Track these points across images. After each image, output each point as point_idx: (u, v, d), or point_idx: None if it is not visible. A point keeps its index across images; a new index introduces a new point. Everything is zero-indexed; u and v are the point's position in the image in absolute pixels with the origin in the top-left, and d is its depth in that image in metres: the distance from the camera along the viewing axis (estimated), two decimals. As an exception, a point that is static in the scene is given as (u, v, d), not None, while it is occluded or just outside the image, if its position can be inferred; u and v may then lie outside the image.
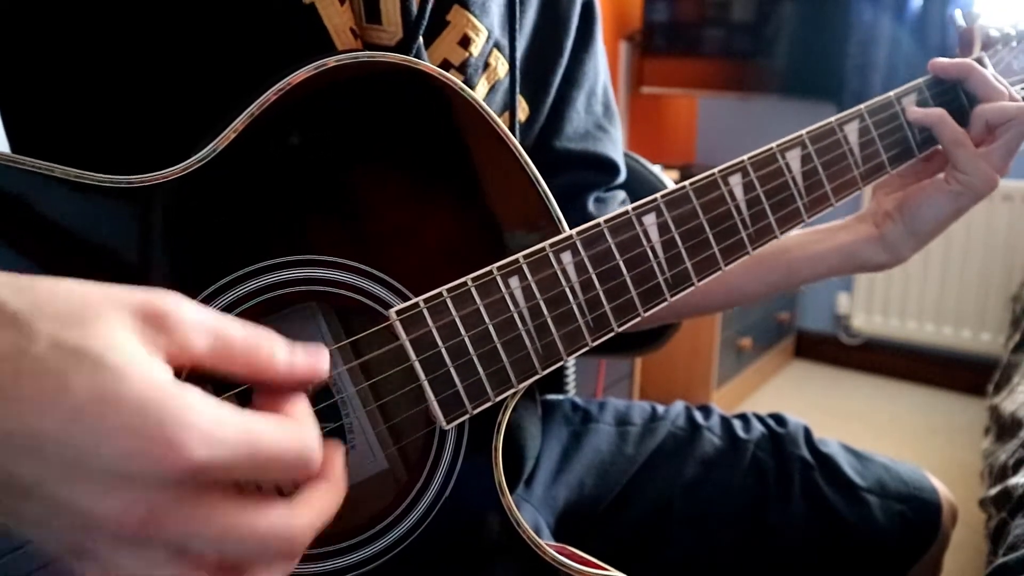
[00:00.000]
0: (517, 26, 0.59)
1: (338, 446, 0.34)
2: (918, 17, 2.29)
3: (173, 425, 0.25)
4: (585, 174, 0.70)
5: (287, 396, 0.32)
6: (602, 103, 0.72)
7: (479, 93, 0.59)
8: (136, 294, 0.28)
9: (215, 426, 0.26)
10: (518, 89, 0.60)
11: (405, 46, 0.52)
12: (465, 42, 0.55)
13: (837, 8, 2.33)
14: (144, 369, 0.26)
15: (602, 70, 0.72)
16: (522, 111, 0.63)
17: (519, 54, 0.59)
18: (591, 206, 0.70)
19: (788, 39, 2.38)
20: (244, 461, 0.27)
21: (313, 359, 0.32)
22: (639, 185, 0.89)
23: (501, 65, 0.59)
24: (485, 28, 0.56)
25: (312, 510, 0.30)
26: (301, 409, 0.32)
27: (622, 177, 0.74)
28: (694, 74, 2.45)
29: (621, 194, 0.75)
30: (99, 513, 0.26)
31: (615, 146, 0.73)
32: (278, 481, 0.30)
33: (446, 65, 0.56)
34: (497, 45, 0.59)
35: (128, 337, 0.27)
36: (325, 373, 0.33)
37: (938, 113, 0.62)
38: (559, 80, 0.67)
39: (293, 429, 0.30)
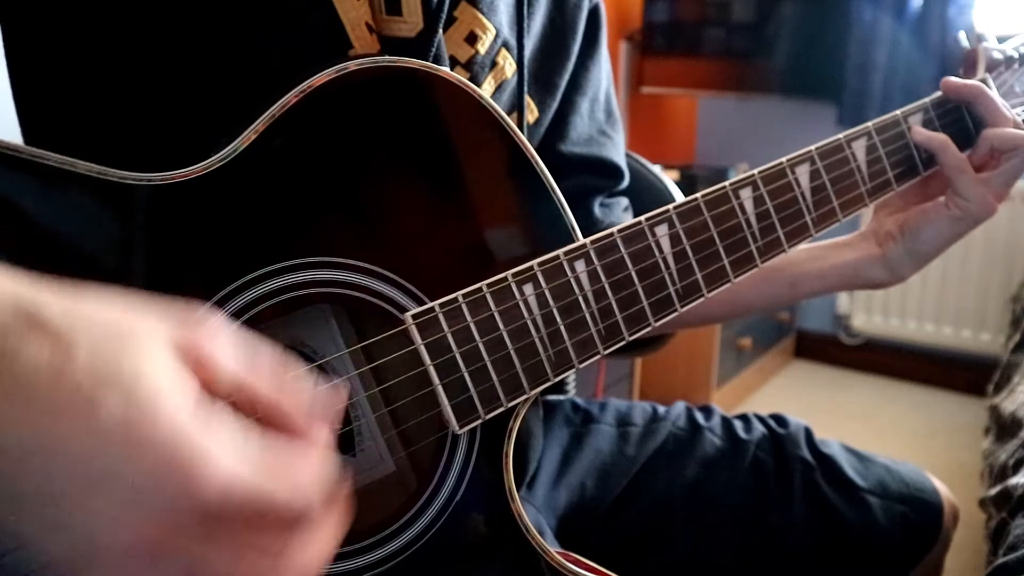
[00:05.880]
0: (525, 26, 0.59)
1: (344, 474, 0.35)
2: (918, 17, 2.29)
3: (191, 465, 0.27)
4: (589, 178, 0.70)
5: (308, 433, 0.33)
6: (604, 110, 0.72)
7: (485, 92, 0.59)
8: (176, 328, 0.30)
9: (232, 471, 0.28)
10: (526, 89, 0.60)
11: (426, 37, 0.52)
12: (472, 39, 0.56)
13: (837, 8, 2.33)
14: (172, 405, 0.27)
15: (605, 76, 0.72)
16: (531, 112, 0.63)
17: (527, 54, 0.59)
18: (597, 211, 0.70)
19: (788, 39, 2.38)
20: (253, 506, 0.29)
21: (330, 405, 0.34)
22: (640, 186, 0.89)
23: (509, 65, 0.59)
24: (493, 26, 0.56)
25: (311, 550, 0.32)
26: (319, 445, 0.33)
27: (625, 181, 0.74)
28: (694, 74, 2.45)
29: (624, 201, 0.75)
30: (113, 531, 0.27)
31: (618, 151, 0.73)
32: (283, 522, 0.31)
33: (452, 61, 0.56)
34: (505, 44, 0.59)
35: (162, 370, 0.28)
36: (339, 416, 0.34)
37: (940, 138, 0.64)
38: (565, 85, 0.67)
39: (305, 477, 0.31)
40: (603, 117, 0.72)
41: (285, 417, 0.32)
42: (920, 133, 0.64)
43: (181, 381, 0.28)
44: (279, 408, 0.32)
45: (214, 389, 0.30)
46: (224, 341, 0.31)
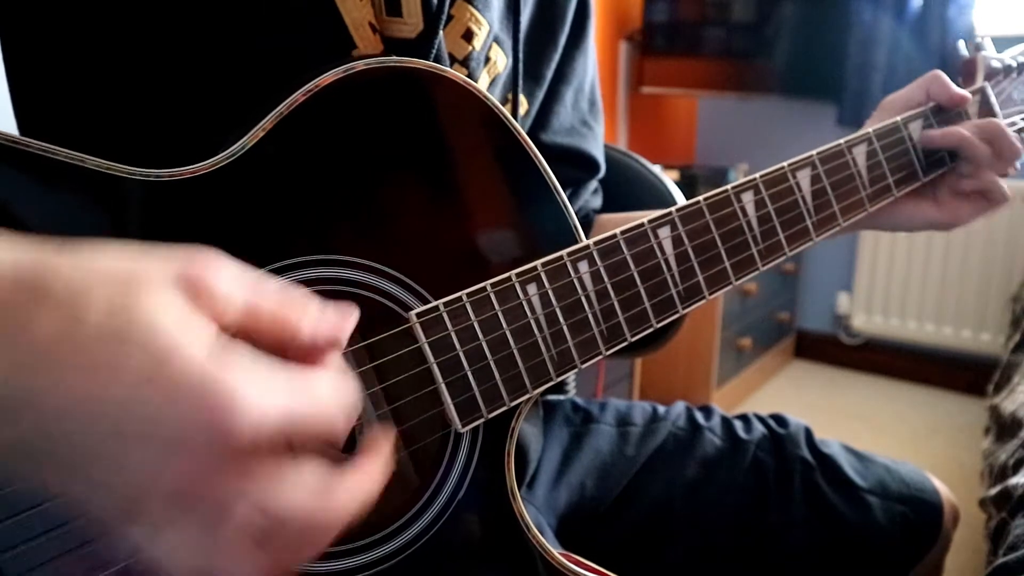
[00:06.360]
0: (521, 19, 0.59)
1: (388, 427, 0.35)
2: (918, 17, 2.29)
3: (221, 404, 0.27)
4: (567, 169, 0.70)
5: (319, 354, 0.33)
6: (588, 100, 0.73)
7: (480, 87, 0.59)
8: (174, 263, 0.30)
9: (259, 401, 0.28)
10: (520, 84, 0.60)
11: (426, 38, 0.52)
12: (468, 36, 0.56)
13: (837, 8, 2.33)
14: (190, 350, 0.28)
15: (591, 66, 0.73)
16: (521, 105, 0.64)
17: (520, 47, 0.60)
18: None
19: (788, 39, 2.38)
20: (286, 430, 0.29)
21: (336, 326, 0.33)
22: (640, 186, 0.90)
23: (500, 59, 0.60)
24: (486, 22, 0.57)
25: (348, 490, 0.32)
26: (334, 367, 0.33)
27: (601, 173, 0.75)
28: (694, 74, 2.45)
29: (592, 184, 0.75)
30: (154, 480, 0.28)
31: (597, 143, 0.74)
32: (318, 440, 0.31)
33: (451, 59, 0.56)
34: (496, 39, 0.59)
35: (173, 315, 0.28)
36: (347, 335, 0.34)
37: (961, 133, 0.65)
38: (551, 75, 0.67)
39: (328, 395, 0.31)
40: (586, 107, 0.72)
41: (295, 338, 0.32)
42: (933, 133, 0.65)
43: (193, 322, 0.29)
44: (288, 327, 0.32)
45: (223, 318, 0.30)
46: (225, 268, 0.31)
